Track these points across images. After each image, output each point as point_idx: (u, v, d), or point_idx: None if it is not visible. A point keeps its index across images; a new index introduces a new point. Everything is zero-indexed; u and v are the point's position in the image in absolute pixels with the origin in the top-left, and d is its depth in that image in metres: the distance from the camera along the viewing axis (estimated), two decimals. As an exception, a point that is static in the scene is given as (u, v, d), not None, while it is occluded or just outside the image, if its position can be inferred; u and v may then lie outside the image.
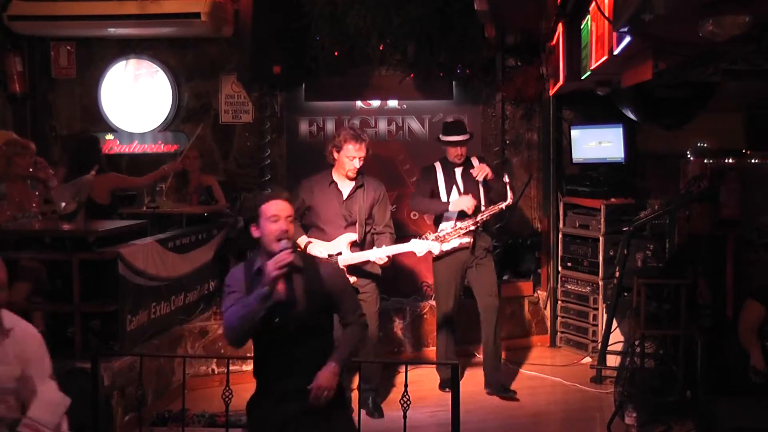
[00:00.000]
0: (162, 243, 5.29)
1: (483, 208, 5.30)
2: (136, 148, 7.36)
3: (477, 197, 5.31)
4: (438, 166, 5.48)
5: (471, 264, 5.40)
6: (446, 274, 5.43)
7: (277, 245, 2.99)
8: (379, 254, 4.81)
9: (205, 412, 4.64)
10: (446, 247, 5.18)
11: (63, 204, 4.74)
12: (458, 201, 5.26)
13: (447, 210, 5.32)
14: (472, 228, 5.23)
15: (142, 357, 4.02)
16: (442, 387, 5.59)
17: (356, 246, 4.88)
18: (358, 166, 4.88)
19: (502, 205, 5.22)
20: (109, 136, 7.30)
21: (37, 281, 4.87)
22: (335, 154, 4.93)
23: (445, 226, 5.29)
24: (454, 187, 5.39)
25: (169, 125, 7.33)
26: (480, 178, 5.27)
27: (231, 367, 4.02)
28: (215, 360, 5.71)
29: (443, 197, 5.38)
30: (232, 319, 3.01)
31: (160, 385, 5.13)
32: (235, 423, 4.38)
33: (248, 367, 5.80)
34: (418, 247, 4.85)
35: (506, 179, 5.23)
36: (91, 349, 4.54)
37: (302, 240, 4.88)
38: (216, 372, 5.71)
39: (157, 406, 4.89)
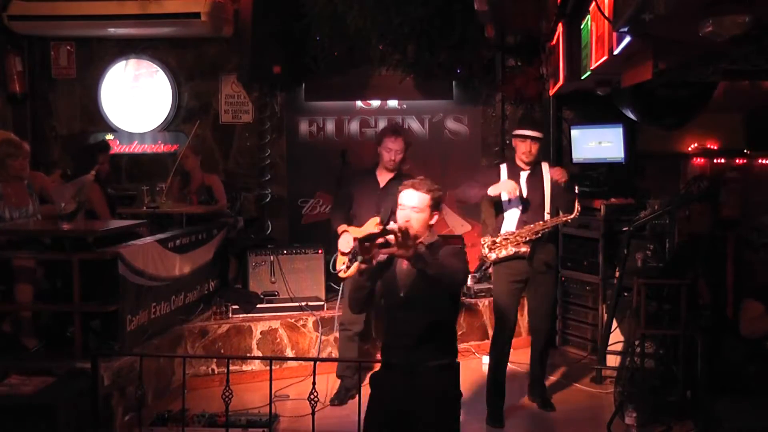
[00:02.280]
0: (162, 243, 5.29)
1: (547, 217, 4.98)
2: (136, 148, 7.37)
3: (542, 206, 5.01)
4: (504, 167, 5.11)
5: (531, 275, 5.04)
6: (507, 280, 5.03)
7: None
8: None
9: (205, 412, 4.63)
10: (503, 253, 4.95)
11: (63, 204, 4.74)
12: (499, 185, 4.91)
13: (485, 195, 4.94)
14: (532, 237, 4.92)
15: (142, 357, 4.01)
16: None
17: None
18: (395, 159, 5.23)
19: (568, 218, 4.97)
20: (109, 136, 7.30)
21: (35, 281, 4.87)
22: (378, 149, 5.31)
23: (504, 232, 5.01)
24: (518, 192, 4.95)
25: (169, 125, 7.34)
26: (561, 178, 4.92)
27: (231, 367, 4.01)
28: (215, 360, 5.71)
29: (503, 204, 5.04)
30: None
31: (160, 385, 5.13)
32: (235, 423, 4.39)
33: (248, 367, 5.83)
34: None
35: (576, 190, 4.96)
36: (91, 349, 4.54)
37: (341, 228, 5.27)
38: (216, 372, 5.71)
39: (157, 406, 4.89)
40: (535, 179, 5.04)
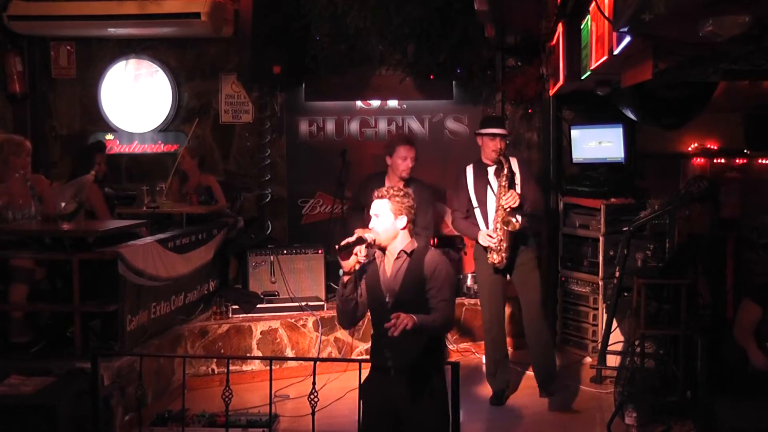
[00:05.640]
0: (162, 243, 5.29)
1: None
2: (136, 148, 7.37)
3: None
4: (469, 169, 5.35)
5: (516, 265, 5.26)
6: (487, 272, 5.27)
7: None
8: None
9: (205, 412, 4.63)
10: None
11: (63, 204, 4.74)
12: (480, 236, 5.17)
13: (477, 238, 5.20)
14: (507, 217, 5.05)
15: (142, 357, 4.01)
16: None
17: None
18: (411, 165, 5.36)
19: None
20: (109, 136, 7.31)
21: (32, 281, 4.86)
22: (388, 160, 5.41)
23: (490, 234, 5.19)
24: (488, 188, 5.22)
25: (169, 125, 7.34)
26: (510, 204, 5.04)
27: (231, 367, 4.02)
28: (215, 360, 5.71)
29: (473, 202, 5.26)
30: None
31: (160, 385, 5.13)
32: (235, 423, 4.38)
33: (248, 367, 5.83)
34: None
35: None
36: (91, 349, 4.54)
37: (357, 233, 5.37)
38: (216, 372, 5.71)
39: (157, 406, 4.89)
40: (501, 172, 5.18)
